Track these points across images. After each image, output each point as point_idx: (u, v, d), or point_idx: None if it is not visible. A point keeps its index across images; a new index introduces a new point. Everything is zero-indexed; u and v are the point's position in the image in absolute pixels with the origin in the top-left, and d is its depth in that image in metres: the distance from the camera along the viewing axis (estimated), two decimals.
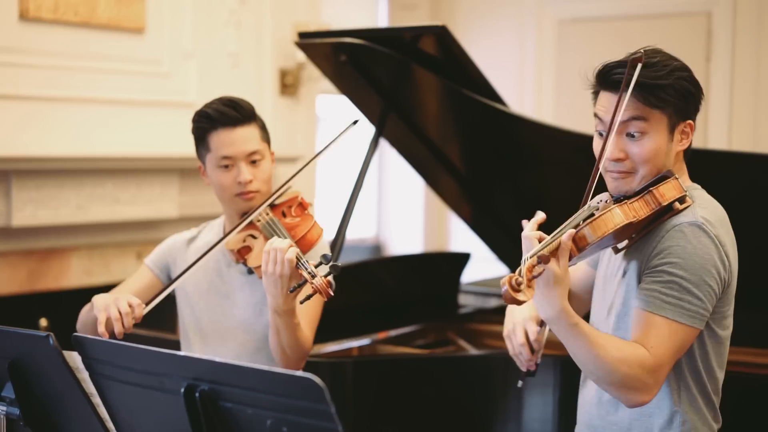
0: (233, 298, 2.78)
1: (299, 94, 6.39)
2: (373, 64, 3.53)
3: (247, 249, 2.67)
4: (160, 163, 5.53)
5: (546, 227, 3.48)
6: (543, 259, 1.98)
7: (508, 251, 4.43)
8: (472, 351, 3.84)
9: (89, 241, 5.36)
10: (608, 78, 2.22)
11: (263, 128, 2.79)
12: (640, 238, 2.22)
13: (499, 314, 4.32)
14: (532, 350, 2.47)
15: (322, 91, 6.72)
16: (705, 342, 2.21)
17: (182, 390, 1.80)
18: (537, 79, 7.59)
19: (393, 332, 4.00)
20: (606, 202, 2.23)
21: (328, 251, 2.75)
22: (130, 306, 2.56)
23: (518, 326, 2.43)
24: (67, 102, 5.16)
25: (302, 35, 3.61)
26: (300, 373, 1.63)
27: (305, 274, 2.43)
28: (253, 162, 2.71)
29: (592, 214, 2.12)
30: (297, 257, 2.45)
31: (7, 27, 4.91)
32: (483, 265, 5.14)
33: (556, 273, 2.02)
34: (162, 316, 5.76)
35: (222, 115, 2.71)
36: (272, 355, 2.66)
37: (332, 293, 2.43)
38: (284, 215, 2.69)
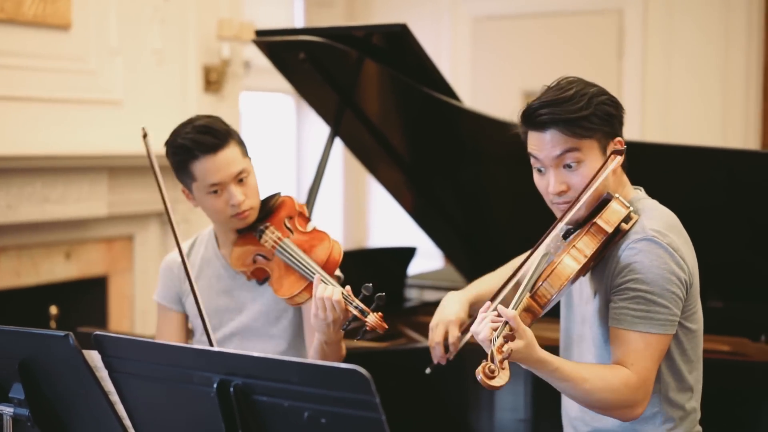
0: (246, 311, 2.81)
1: (223, 90, 6.38)
2: (330, 61, 3.57)
3: (264, 271, 2.69)
4: (89, 162, 5.46)
5: (495, 219, 3.58)
6: (509, 338, 2.06)
7: (448, 240, 4.52)
8: (422, 342, 3.90)
9: (18, 241, 5.27)
10: (533, 120, 2.30)
11: (241, 143, 2.76)
12: (598, 263, 2.32)
13: None
14: (447, 349, 2.55)
15: (246, 88, 6.72)
16: (681, 339, 2.32)
17: (215, 385, 1.82)
18: (453, 76, 7.70)
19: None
20: (556, 244, 2.30)
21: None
22: None
23: (441, 325, 2.53)
24: None
25: (259, 33, 3.62)
26: (344, 364, 1.67)
27: (355, 312, 2.46)
28: (240, 180, 2.71)
29: (550, 258, 2.23)
30: (344, 297, 2.46)
31: None
32: (419, 260, 5.22)
33: (521, 345, 2.09)
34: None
35: (200, 144, 2.67)
36: (297, 354, 2.74)
37: (387, 327, 2.47)
38: (290, 230, 2.70)
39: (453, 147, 4.03)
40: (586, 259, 2.20)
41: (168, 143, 2.76)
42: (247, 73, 6.69)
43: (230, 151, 2.68)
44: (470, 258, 4.57)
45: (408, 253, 4.49)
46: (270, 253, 2.69)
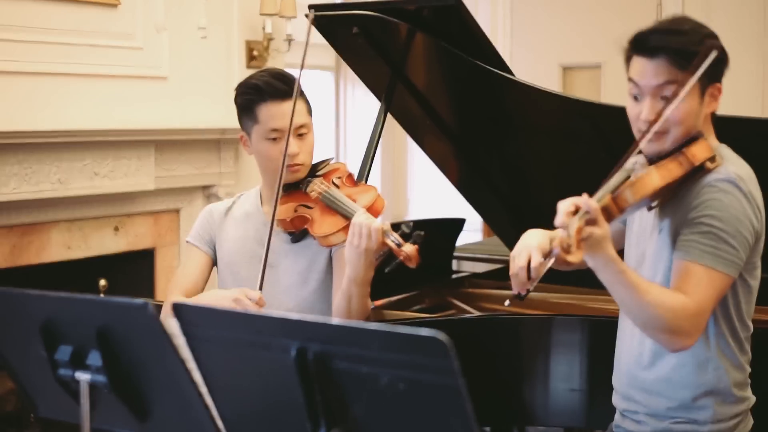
0: (277, 266, 2.81)
1: (266, 66, 6.42)
2: (383, 35, 3.60)
3: (303, 219, 2.71)
4: (136, 136, 5.54)
5: (540, 190, 3.57)
6: (590, 222, 2.09)
7: (493, 212, 4.55)
8: (476, 313, 3.95)
9: (69, 215, 5.36)
10: (644, 44, 2.31)
11: (307, 102, 2.84)
12: (673, 197, 2.34)
13: (491, 279, 4.46)
14: (529, 277, 2.51)
15: (288, 64, 6.76)
16: (737, 291, 2.32)
17: (293, 352, 1.85)
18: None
19: (393, 298, 4.08)
20: (641, 164, 2.34)
21: None
22: (250, 299, 2.62)
23: (524, 251, 2.45)
24: (44, 76, 5.15)
25: (313, 7, 3.66)
26: (424, 330, 1.70)
27: (391, 244, 2.49)
28: (300, 135, 2.77)
29: (629, 177, 2.24)
30: (383, 229, 2.50)
31: None
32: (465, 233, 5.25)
33: (600, 234, 2.11)
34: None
35: (271, 87, 2.74)
36: (334, 316, 2.72)
37: (420, 260, 2.50)
38: (336, 185, 2.75)
39: (500, 118, 4.06)
40: (671, 180, 2.23)
41: (240, 84, 2.81)
42: (289, 49, 6.73)
43: (297, 104, 2.75)
44: (516, 229, 4.59)
45: (457, 225, 4.52)
46: (314, 202, 2.73)
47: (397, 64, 3.71)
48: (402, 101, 3.99)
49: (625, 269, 2.18)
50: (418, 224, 4.91)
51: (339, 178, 2.79)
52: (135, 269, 5.87)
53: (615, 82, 7.39)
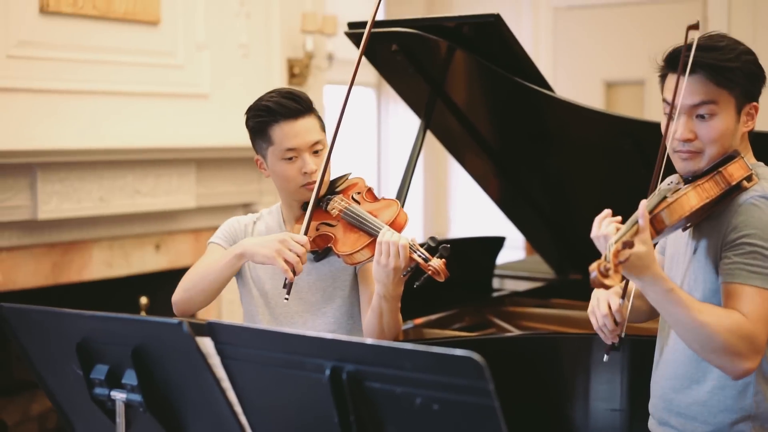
0: (301, 283, 2.79)
1: (307, 84, 6.45)
2: (422, 52, 3.59)
3: (326, 238, 2.70)
4: (177, 154, 5.56)
5: (581, 208, 3.52)
6: (627, 244, 2.05)
7: (534, 229, 4.52)
8: (516, 332, 3.91)
9: (110, 233, 5.38)
10: (676, 61, 2.28)
11: (320, 118, 2.81)
12: (708, 216, 2.29)
13: (531, 297, 4.43)
14: (616, 323, 2.48)
15: (329, 81, 6.78)
16: None
17: (328, 372, 1.84)
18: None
19: (433, 317, 4.06)
20: (676, 183, 2.31)
21: None
22: (300, 243, 2.61)
23: (602, 300, 2.44)
24: (86, 95, 5.19)
25: (351, 25, 3.66)
26: (459, 351, 1.68)
27: (419, 259, 2.48)
28: (315, 152, 2.74)
29: (665, 197, 2.20)
30: (410, 245, 2.49)
31: (28, 20, 4.92)
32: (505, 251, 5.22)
33: (643, 252, 2.07)
34: None
35: (283, 107, 2.71)
36: (365, 333, 2.71)
37: (449, 274, 2.49)
38: (356, 201, 2.73)
39: (541, 136, 4.03)
40: (708, 200, 2.19)
41: (250, 107, 2.79)
42: (330, 66, 6.74)
43: (310, 121, 2.73)
44: (557, 247, 4.57)
45: (497, 243, 4.50)
46: (335, 219, 2.71)
47: (437, 82, 3.70)
48: (442, 119, 3.98)
49: (674, 287, 2.13)
50: (459, 242, 4.92)
51: (359, 193, 2.76)
52: (176, 287, 5.87)
53: (658, 98, 7.30)
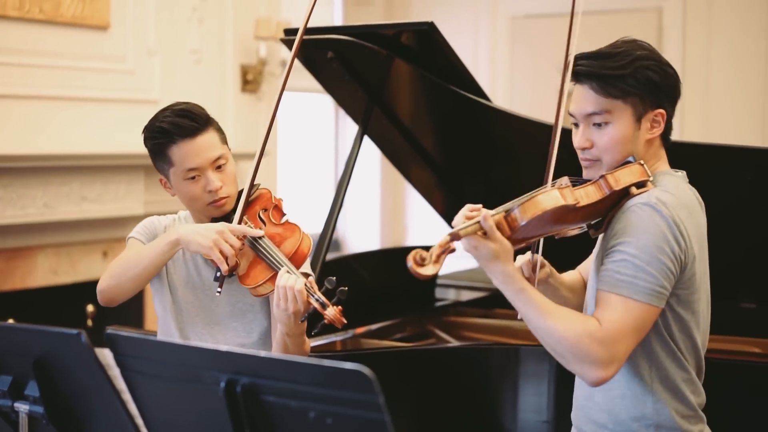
0: (211, 296, 2.72)
1: (260, 90, 6.42)
2: (359, 60, 3.56)
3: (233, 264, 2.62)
4: (126, 161, 5.52)
5: None
6: (453, 237, 2.03)
7: None
8: (454, 343, 3.89)
9: (56, 240, 5.33)
10: (573, 70, 2.28)
11: (219, 130, 2.70)
12: (607, 223, 2.26)
13: (474, 307, 4.41)
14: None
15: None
16: (669, 323, 2.22)
17: (222, 385, 1.81)
18: (491, 76, 7.67)
19: (373, 327, 4.03)
20: (564, 185, 2.21)
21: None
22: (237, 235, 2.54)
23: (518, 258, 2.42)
24: (33, 100, 5.14)
25: (287, 32, 3.63)
26: (348, 364, 1.66)
27: (316, 305, 2.42)
28: (219, 167, 2.64)
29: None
30: (307, 289, 2.43)
31: None
32: (449, 259, 5.20)
33: (492, 248, 2.06)
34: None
35: (178, 127, 2.60)
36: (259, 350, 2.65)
37: (345, 321, 2.43)
38: (263, 221, 2.66)
39: (484, 146, 4.01)
40: (572, 203, 2.12)
41: (146, 128, 2.68)
42: (284, 73, 6.71)
43: (209, 137, 2.62)
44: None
45: None
46: (245, 247, 2.63)
47: (374, 90, 3.68)
48: (384, 129, 3.95)
49: (525, 287, 2.11)
50: (400, 252, 4.89)
51: (265, 211, 2.69)
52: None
53: None
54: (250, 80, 6.35)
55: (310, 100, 7.86)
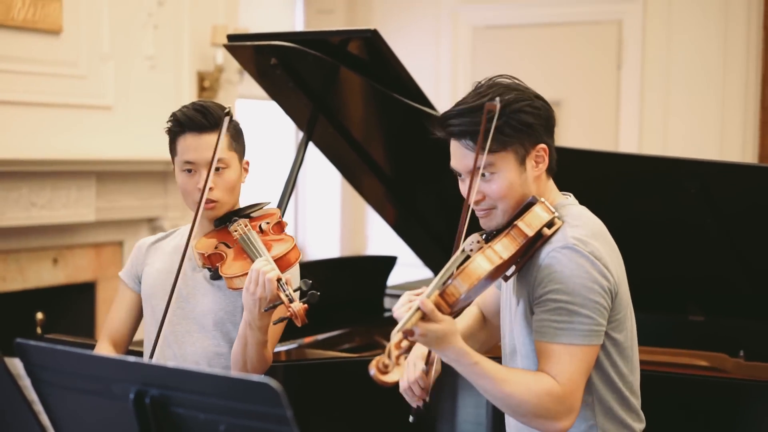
0: (194, 302, 2.77)
1: (217, 97, 6.36)
2: (303, 67, 3.52)
3: (219, 256, 2.68)
4: (77, 167, 5.44)
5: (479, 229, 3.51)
6: (407, 333, 1.99)
7: (431, 253, 4.46)
8: None
9: (4, 246, 5.25)
10: (444, 129, 2.26)
11: (234, 137, 2.76)
12: (524, 265, 2.25)
13: None
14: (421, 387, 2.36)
15: (241, 96, 6.70)
16: (609, 351, 2.24)
17: (132, 396, 1.78)
18: (452, 85, 7.66)
19: (320, 336, 3.99)
20: (478, 242, 2.18)
21: (298, 277, 2.74)
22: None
23: (413, 364, 2.37)
24: None
25: (231, 38, 3.58)
26: (255, 376, 1.64)
27: (284, 297, 2.45)
28: (217, 170, 2.69)
29: (468, 257, 2.13)
30: (278, 280, 2.46)
31: None
32: (405, 270, 5.17)
33: (438, 330, 2.03)
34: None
35: (190, 120, 2.70)
36: (231, 363, 2.67)
37: (306, 321, 2.45)
38: (262, 231, 2.71)
39: (434, 157, 3.97)
40: (501, 261, 2.12)
41: (170, 115, 2.80)
42: (241, 80, 6.67)
43: (215, 138, 2.67)
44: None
45: (388, 262, 4.44)
46: (233, 242, 2.70)
47: (319, 98, 3.63)
48: (331, 139, 3.91)
49: (478, 360, 2.10)
50: (350, 261, 4.86)
51: (267, 223, 2.74)
52: (75, 303, 5.75)
53: (575, 119, 7.35)
54: (206, 87, 6.29)
55: (270, 108, 7.82)
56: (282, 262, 2.60)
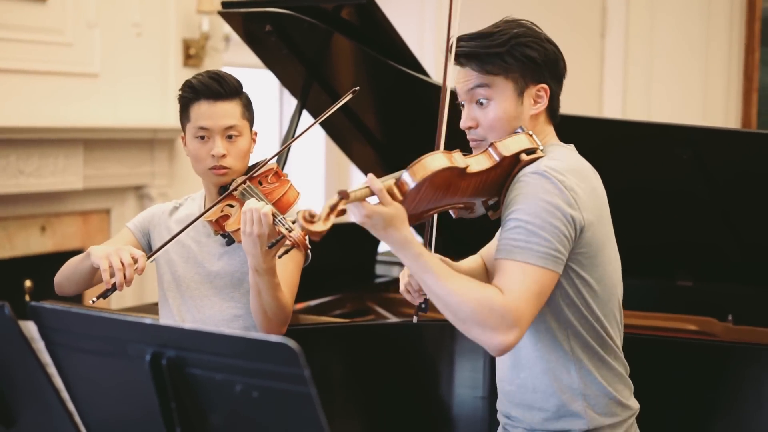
0: (210, 267, 2.82)
1: (203, 65, 6.34)
2: (298, 34, 3.53)
3: (225, 217, 2.71)
4: (65, 134, 5.43)
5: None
6: (342, 195, 2.00)
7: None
8: (393, 319, 3.89)
9: None
10: (457, 49, 2.30)
11: (247, 107, 2.83)
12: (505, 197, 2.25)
13: None
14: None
15: (227, 63, 6.68)
16: (579, 289, 2.22)
17: (148, 357, 1.79)
18: (437, 51, 7.67)
19: (312, 302, 4.02)
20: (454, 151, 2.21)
21: None
22: (133, 258, 2.60)
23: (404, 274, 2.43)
24: None
25: (225, 4, 3.58)
26: (273, 336, 1.65)
27: (282, 229, 2.48)
28: (230, 137, 2.76)
29: None
30: (273, 214, 2.50)
31: None
32: None
33: (384, 213, 2.04)
34: None
35: (205, 87, 2.75)
36: (253, 322, 2.72)
37: (309, 246, 2.50)
38: (261, 183, 2.75)
39: (426, 124, 3.99)
40: (462, 166, 2.12)
41: (184, 82, 2.83)
42: (227, 48, 6.65)
43: (230, 106, 2.76)
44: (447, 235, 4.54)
45: None
46: (236, 200, 2.73)
47: (313, 64, 3.65)
48: (324, 105, 3.91)
49: (423, 253, 2.09)
50: (340, 228, 4.87)
51: (265, 176, 2.78)
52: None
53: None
54: (192, 54, 6.28)
55: (254, 76, 7.81)
56: (282, 204, 2.65)
